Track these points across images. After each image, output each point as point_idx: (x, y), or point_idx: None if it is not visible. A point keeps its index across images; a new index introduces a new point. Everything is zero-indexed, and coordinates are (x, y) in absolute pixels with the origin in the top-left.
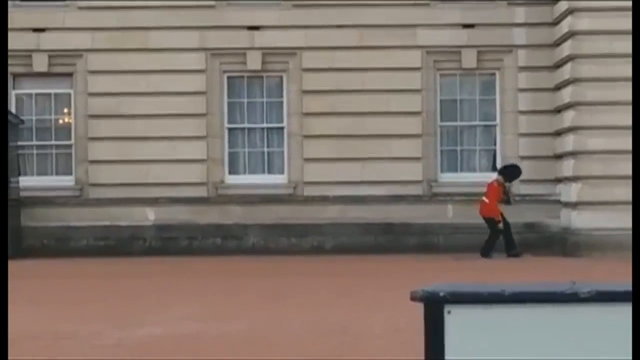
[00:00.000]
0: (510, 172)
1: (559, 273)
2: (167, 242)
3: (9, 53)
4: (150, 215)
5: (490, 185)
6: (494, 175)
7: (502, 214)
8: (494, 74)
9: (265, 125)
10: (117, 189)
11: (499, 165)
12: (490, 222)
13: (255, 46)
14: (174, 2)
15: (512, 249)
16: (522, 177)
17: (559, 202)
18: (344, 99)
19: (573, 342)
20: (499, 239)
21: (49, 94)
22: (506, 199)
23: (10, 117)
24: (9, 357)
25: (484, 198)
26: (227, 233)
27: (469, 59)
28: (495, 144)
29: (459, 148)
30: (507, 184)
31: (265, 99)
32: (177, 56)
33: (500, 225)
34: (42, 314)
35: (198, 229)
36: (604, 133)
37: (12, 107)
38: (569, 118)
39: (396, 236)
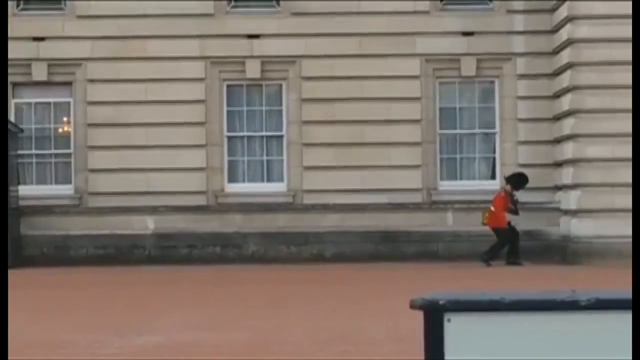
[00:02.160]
0: (517, 180)
1: (558, 281)
2: (167, 251)
3: (9, 62)
4: (149, 224)
5: (497, 194)
6: (495, 183)
7: (509, 223)
8: (493, 82)
9: (264, 133)
10: (116, 197)
11: (506, 174)
12: (497, 231)
13: (255, 55)
14: (173, 10)
15: (514, 257)
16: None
17: (558, 209)
18: (344, 107)
19: (573, 350)
20: (504, 249)
21: (49, 103)
22: (514, 208)
23: (9, 126)
24: None
25: (491, 207)
26: (226, 241)
27: (469, 67)
28: (494, 152)
29: (458, 156)
30: (514, 194)
31: (264, 107)
32: (176, 65)
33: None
34: (42, 323)
35: (197, 238)
36: (603, 140)
37: (12, 116)
38: (568, 125)
39: (396, 244)
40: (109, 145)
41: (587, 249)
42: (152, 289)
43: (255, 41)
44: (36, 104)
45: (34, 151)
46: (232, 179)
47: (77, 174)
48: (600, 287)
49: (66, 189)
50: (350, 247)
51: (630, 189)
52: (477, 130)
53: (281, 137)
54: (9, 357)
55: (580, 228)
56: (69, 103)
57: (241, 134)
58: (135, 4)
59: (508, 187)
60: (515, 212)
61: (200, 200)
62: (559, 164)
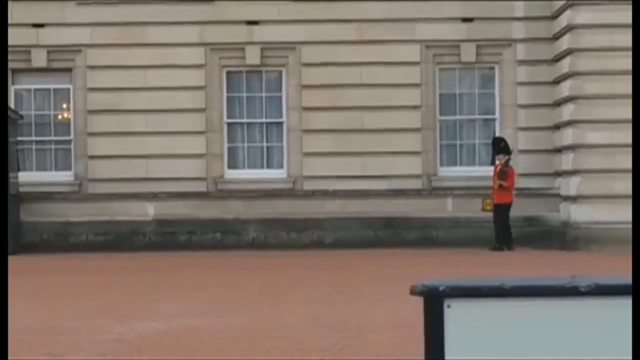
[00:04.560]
0: (505, 146)
1: (558, 267)
2: (167, 237)
3: (9, 49)
4: (149, 210)
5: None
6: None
7: (502, 206)
8: (493, 68)
9: (264, 120)
10: (116, 184)
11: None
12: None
13: (254, 41)
14: None
15: (496, 243)
16: (521, 170)
17: (558, 195)
18: (343, 94)
19: (573, 336)
20: (509, 228)
21: (48, 90)
22: (498, 181)
23: (9, 113)
24: (9, 353)
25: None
26: (226, 228)
27: (468, 53)
28: None
29: (458, 142)
30: (503, 165)
31: (264, 94)
32: (176, 51)
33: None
34: (42, 310)
35: (198, 224)
36: (603, 127)
37: (12, 103)
38: (568, 112)
39: (396, 230)
40: (108, 131)
41: (586, 235)
42: (152, 275)
43: (255, 27)
44: (36, 90)
45: (33, 138)
46: (232, 165)
47: (77, 160)
48: (600, 273)
49: (66, 176)
50: (350, 233)
51: (629, 175)
52: (477, 117)
53: (281, 123)
54: (10, 343)
55: (579, 214)
56: (68, 89)
57: (241, 120)
58: None
59: (501, 157)
60: (503, 177)
61: (200, 187)
62: (558, 150)
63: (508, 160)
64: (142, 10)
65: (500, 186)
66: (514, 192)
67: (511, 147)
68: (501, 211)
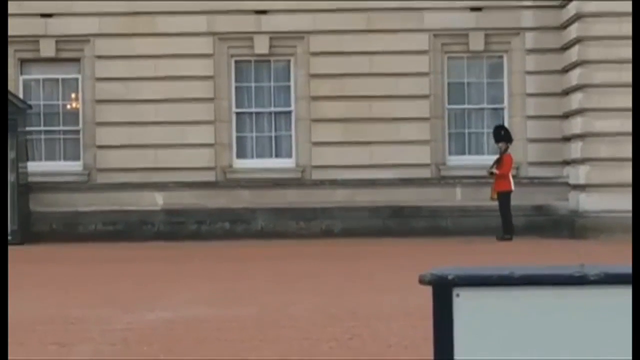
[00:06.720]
0: (496, 136)
1: (567, 255)
2: (176, 227)
3: (17, 39)
4: (158, 200)
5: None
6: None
7: (504, 194)
8: (501, 57)
9: (273, 109)
10: (125, 173)
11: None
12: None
13: (263, 30)
14: None
15: (504, 234)
16: (530, 159)
17: (567, 184)
18: (352, 83)
19: (581, 325)
20: (510, 217)
21: (57, 80)
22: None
23: (18, 103)
24: (18, 342)
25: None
26: (235, 217)
27: (477, 42)
28: None
29: (467, 131)
30: (502, 152)
31: (272, 83)
32: (184, 41)
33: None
34: (51, 299)
35: (206, 214)
36: (612, 115)
37: (20, 93)
38: (577, 100)
39: (405, 219)
40: (117, 121)
41: (595, 224)
42: (161, 265)
43: (263, 17)
44: (44, 80)
45: (42, 128)
46: (241, 154)
47: (86, 150)
48: (608, 262)
49: (75, 166)
50: (359, 222)
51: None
52: (485, 105)
53: (290, 112)
54: (20, 332)
55: (588, 202)
56: (77, 79)
57: (249, 110)
58: None
59: (502, 145)
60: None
61: (208, 176)
62: (567, 139)
63: (507, 147)
64: (151, 0)
65: (491, 174)
66: (522, 180)
67: (512, 135)
68: (500, 199)
